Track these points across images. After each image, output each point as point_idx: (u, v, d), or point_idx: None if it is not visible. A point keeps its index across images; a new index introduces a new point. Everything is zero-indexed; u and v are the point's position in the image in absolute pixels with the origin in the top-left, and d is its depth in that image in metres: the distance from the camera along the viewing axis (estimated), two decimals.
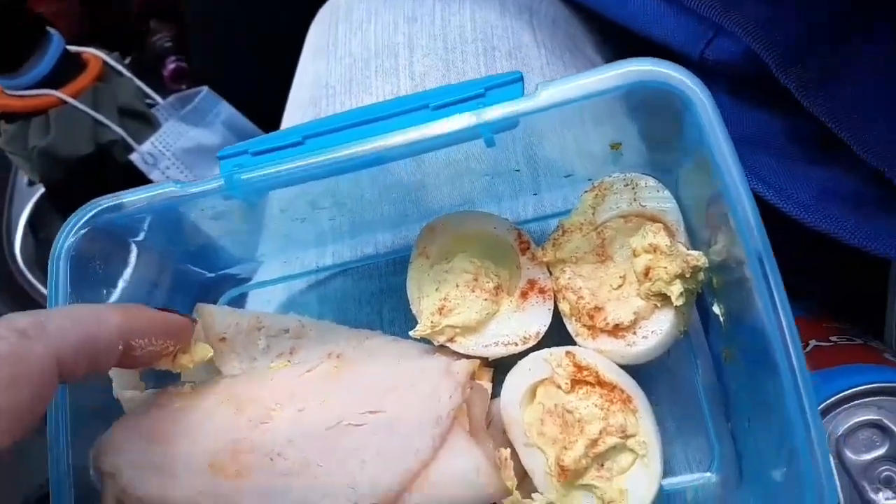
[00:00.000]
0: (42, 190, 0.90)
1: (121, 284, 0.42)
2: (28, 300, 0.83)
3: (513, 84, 0.35)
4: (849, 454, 0.38)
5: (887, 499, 0.36)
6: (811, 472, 0.28)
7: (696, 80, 0.32)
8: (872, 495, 0.36)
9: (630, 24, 0.53)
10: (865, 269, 0.50)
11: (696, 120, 0.32)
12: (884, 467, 0.36)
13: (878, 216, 0.43)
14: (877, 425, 0.37)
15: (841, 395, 0.39)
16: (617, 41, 0.62)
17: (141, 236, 0.40)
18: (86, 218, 0.38)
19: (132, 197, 0.37)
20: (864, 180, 0.44)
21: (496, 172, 0.44)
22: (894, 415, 0.38)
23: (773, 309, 0.29)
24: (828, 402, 0.39)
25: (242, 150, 0.38)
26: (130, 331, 0.33)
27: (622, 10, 0.53)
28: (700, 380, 0.42)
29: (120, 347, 0.32)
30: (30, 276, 0.85)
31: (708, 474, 0.41)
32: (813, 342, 0.46)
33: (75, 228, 0.37)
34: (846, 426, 0.38)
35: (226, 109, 0.82)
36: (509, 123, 0.34)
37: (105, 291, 0.40)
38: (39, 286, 0.84)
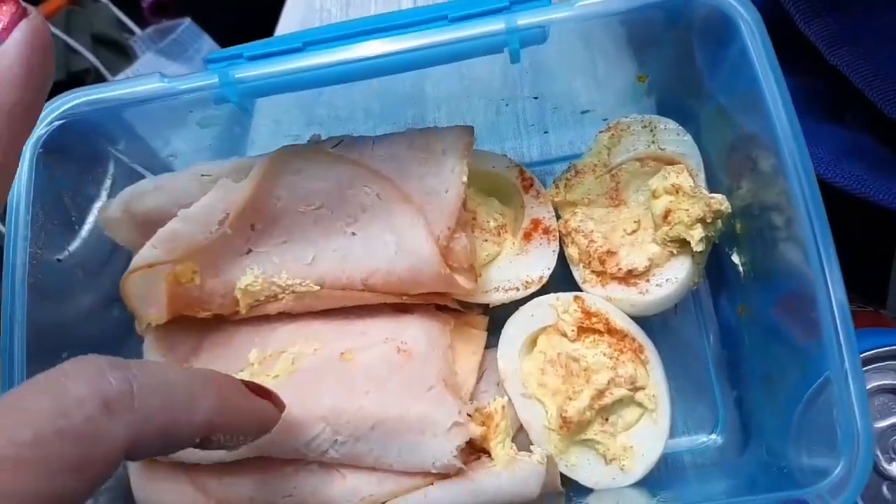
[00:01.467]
0: None
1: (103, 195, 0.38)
2: None
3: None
4: None
5: None
6: (846, 400, 0.26)
7: (748, 5, 0.30)
8: (886, 465, 0.34)
9: None
10: (870, 239, 0.48)
11: (741, 46, 0.29)
12: None
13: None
14: (893, 391, 0.35)
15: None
16: None
17: (120, 142, 0.36)
18: (61, 109, 0.33)
19: (113, 91, 0.33)
20: (880, 140, 0.42)
21: (511, 98, 0.41)
22: None
23: (815, 242, 0.27)
24: None
25: (237, 54, 0.34)
26: (220, 426, 0.26)
27: None
28: (706, 342, 0.40)
29: (197, 440, 0.26)
30: None
31: (713, 436, 0.38)
32: None
33: (48, 119, 0.33)
34: None
35: (208, 44, 0.77)
36: (539, 35, 0.31)
37: (73, 199, 0.36)
38: None
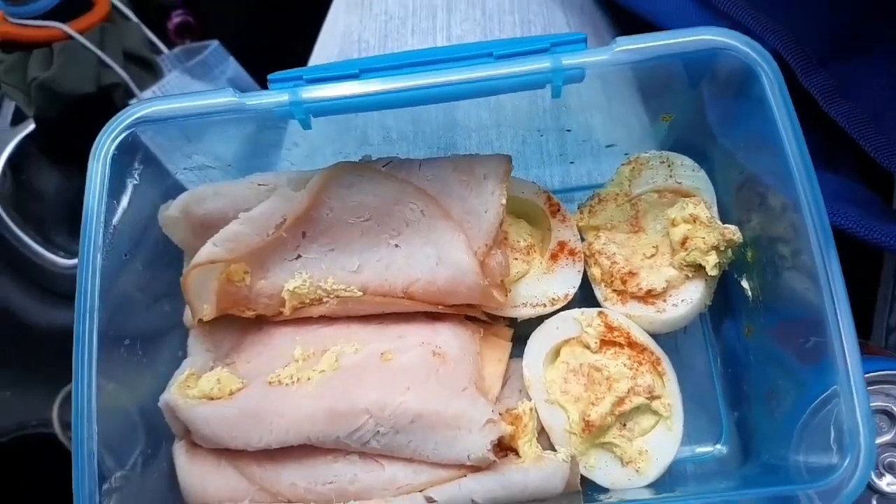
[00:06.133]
0: (26, 131, 0.86)
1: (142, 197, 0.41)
2: (2, 243, 0.79)
3: (578, 43, 0.36)
4: None
5: (889, 484, 0.37)
6: (851, 412, 0.30)
7: (768, 58, 0.34)
8: (876, 479, 0.37)
9: (657, 20, 0.55)
10: (857, 275, 0.52)
11: (761, 93, 0.34)
12: (888, 453, 0.38)
13: (887, 215, 0.45)
14: (885, 412, 0.38)
15: None
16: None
17: (186, 148, 0.39)
18: (131, 118, 0.36)
19: (184, 102, 0.36)
20: (871, 187, 0.46)
21: (542, 129, 0.44)
22: None
23: (826, 271, 0.31)
24: None
25: (297, 76, 0.37)
26: None
27: (651, 6, 0.55)
28: (712, 359, 0.43)
29: None
30: (6, 219, 0.81)
31: (718, 447, 0.42)
32: None
33: (123, 124, 0.36)
34: None
35: (233, 67, 0.80)
36: (578, 75, 0.35)
37: (141, 205, 0.39)
38: (16, 229, 0.80)
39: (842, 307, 0.31)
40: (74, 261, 0.72)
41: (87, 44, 0.73)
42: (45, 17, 0.74)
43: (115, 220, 0.37)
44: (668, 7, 0.54)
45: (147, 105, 0.37)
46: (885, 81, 0.45)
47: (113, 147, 0.36)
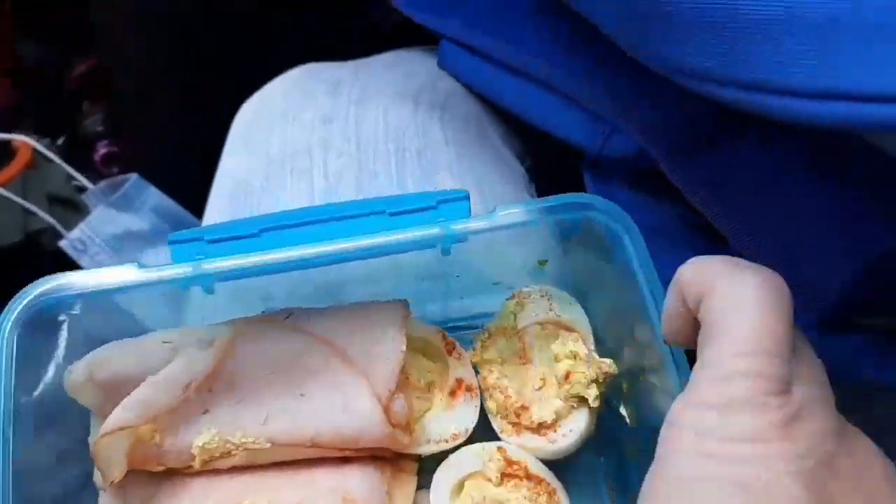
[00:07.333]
0: None
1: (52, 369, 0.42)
2: None
3: (460, 201, 0.41)
4: None
5: None
6: None
7: (625, 217, 0.39)
8: None
9: (533, 121, 0.59)
10: None
11: (621, 250, 0.38)
12: None
13: None
14: None
15: None
16: (524, 135, 0.68)
17: (88, 319, 0.41)
18: (37, 291, 0.38)
19: (85, 278, 0.39)
20: None
21: (429, 276, 0.48)
22: None
23: None
24: None
25: (197, 237, 0.40)
26: None
27: (525, 108, 0.60)
28: (602, 483, 0.46)
29: None
30: None
31: None
32: None
33: (27, 300, 0.38)
34: None
35: (154, 196, 0.83)
36: (463, 236, 0.39)
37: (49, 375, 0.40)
38: None
39: None
40: None
41: (10, 196, 0.75)
42: None
43: (23, 390, 0.38)
44: (537, 106, 0.58)
45: (47, 281, 0.39)
46: (746, 176, 0.47)
47: (16, 324, 0.38)
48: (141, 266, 0.39)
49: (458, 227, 0.39)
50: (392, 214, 0.40)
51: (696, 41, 0.30)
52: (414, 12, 0.64)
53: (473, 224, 0.39)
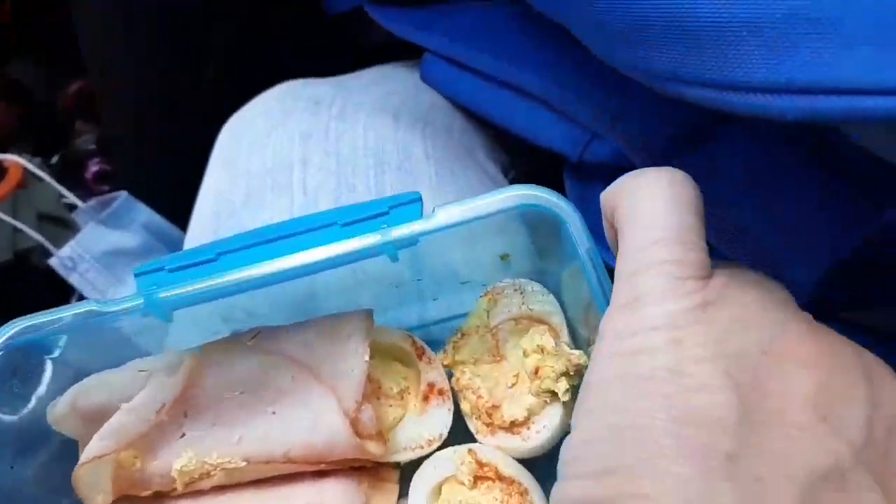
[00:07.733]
0: None
1: (34, 401, 0.43)
2: None
3: (412, 203, 0.40)
4: None
5: None
6: None
7: (569, 204, 0.38)
8: None
9: (514, 129, 0.59)
10: None
11: (568, 237, 0.37)
12: None
13: None
14: None
15: None
16: (508, 147, 0.68)
17: (57, 353, 0.42)
18: (1, 339, 0.39)
19: (49, 317, 0.39)
20: None
21: (395, 283, 0.47)
22: None
23: None
24: None
25: (159, 268, 0.41)
26: None
27: (507, 117, 0.59)
28: None
29: None
30: None
31: None
32: None
33: None
34: None
35: (144, 212, 0.84)
36: (411, 241, 0.39)
37: (22, 408, 0.41)
38: None
39: None
40: None
41: (1, 215, 0.76)
42: None
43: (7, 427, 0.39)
44: (517, 115, 0.58)
45: (13, 325, 0.39)
46: (724, 177, 0.48)
47: None
48: (97, 302, 0.39)
49: (398, 232, 0.38)
50: (344, 225, 0.40)
51: (660, 44, 0.31)
52: (396, 26, 0.64)
53: (416, 227, 0.38)
